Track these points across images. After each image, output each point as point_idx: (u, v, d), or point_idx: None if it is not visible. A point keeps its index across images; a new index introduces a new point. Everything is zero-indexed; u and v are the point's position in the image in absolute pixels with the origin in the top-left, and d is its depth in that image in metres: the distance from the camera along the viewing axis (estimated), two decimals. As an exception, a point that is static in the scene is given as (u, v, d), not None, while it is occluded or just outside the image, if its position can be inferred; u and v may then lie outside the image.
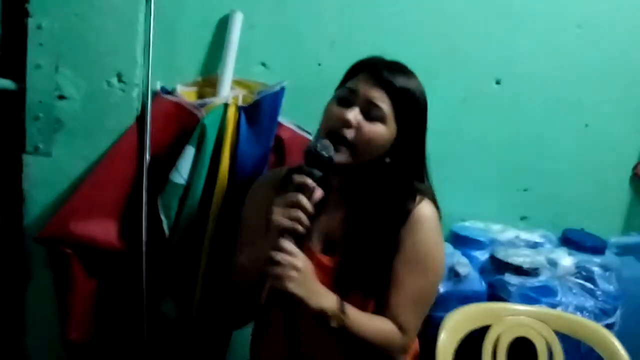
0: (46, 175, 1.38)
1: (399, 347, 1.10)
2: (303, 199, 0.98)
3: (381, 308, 1.09)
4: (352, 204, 1.12)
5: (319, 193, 1.01)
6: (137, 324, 1.43)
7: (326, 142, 1.03)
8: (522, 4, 1.71)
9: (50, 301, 1.42)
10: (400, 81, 1.06)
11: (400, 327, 1.08)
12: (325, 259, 1.10)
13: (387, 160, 1.09)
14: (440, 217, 1.14)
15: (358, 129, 1.04)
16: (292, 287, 0.97)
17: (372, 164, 1.09)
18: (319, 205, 1.04)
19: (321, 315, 1.00)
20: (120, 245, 1.39)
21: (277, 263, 0.96)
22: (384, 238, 1.08)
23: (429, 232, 1.10)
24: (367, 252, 1.08)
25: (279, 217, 0.98)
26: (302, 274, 0.98)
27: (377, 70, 1.06)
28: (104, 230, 1.37)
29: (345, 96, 1.07)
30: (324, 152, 1.01)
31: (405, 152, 1.09)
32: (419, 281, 1.09)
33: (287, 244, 0.98)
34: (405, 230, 1.09)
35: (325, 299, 1.01)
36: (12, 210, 1.42)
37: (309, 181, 0.99)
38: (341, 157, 1.05)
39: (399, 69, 1.10)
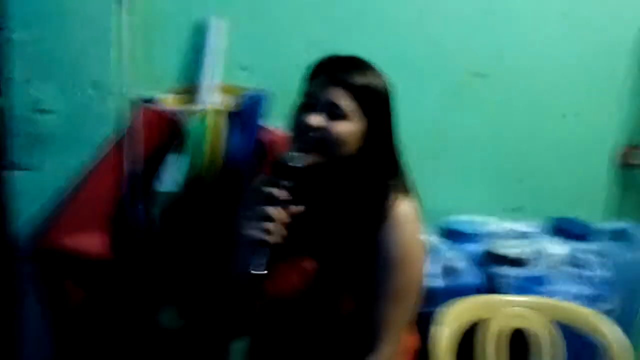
0: (29, 190, 1.37)
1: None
2: (270, 210, 0.99)
3: (362, 305, 1.08)
4: (326, 205, 1.11)
5: (298, 207, 1.02)
6: (132, 337, 1.41)
7: (295, 153, 1.04)
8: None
9: (42, 318, 1.40)
10: (357, 78, 1.06)
11: (380, 344, 1.07)
12: (305, 264, 1.09)
13: (357, 154, 1.08)
14: (420, 211, 1.12)
15: (324, 130, 1.05)
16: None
17: (346, 161, 1.08)
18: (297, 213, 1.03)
19: None
20: (112, 255, 1.37)
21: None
22: (357, 237, 1.08)
23: (406, 232, 1.09)
24: (343, 253, 1.08)
25: (249, 229, 0.99)
26: None
27: (331, 72, 1.07)
28: (94, 241, 1.35)
29: (306, 102, 1.08)
30: (291, 163, 1.02)
31: (375, 145, 1.09)
32: (397, 281, 1.08)
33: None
34: (382, 231, 1.08)
35: None
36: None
37: (276, 191, 1.00)
38: (312, 158, 1.05)
39: (354, 65, 1.09)
